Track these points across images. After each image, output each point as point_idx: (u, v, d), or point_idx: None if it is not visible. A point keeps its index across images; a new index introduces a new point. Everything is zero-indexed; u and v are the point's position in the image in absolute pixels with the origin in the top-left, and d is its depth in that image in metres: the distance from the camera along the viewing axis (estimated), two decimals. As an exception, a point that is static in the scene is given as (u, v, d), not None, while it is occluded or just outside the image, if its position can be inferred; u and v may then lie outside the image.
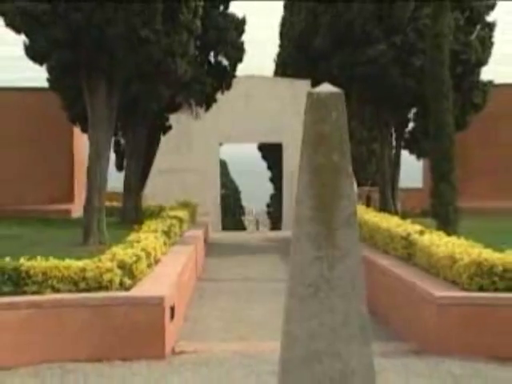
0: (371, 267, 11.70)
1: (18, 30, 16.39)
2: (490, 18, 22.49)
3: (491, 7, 22.42)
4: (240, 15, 21.08)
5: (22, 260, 9.09)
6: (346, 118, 5.22)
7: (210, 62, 21.05)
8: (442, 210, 15.39)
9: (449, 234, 12.48)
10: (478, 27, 22.26)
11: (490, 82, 22.93)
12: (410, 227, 12.71)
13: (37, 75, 20.97)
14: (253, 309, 12.00)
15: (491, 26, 22.46)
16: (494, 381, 7.77)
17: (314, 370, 5.09)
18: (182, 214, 18.24)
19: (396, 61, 20.97)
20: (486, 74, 23.00)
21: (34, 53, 16.69)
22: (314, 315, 5.12)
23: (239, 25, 21.09)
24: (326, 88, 5.29)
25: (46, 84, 20.40)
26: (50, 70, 18.62)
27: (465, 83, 21.45)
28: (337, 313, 5.12)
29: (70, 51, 16.14)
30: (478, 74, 22.47)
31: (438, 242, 10.74)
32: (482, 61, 22.30)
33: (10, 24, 16.29)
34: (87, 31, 15.78)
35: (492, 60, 22.66)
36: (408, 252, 11.73)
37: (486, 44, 22.28)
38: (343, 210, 5.16)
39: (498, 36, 22.66)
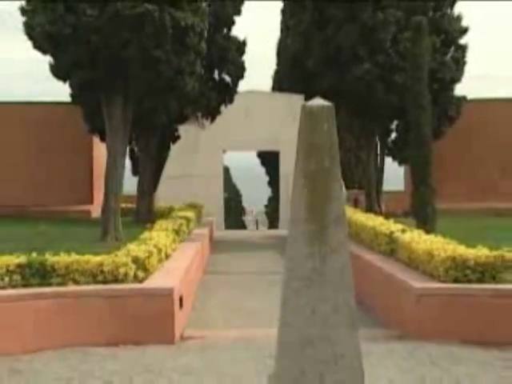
0: (358, 262, 11.68)
1: (44, 52, 16.44)
2: (462, 41, 22.60)
3: (464, 31, 22.54)
4: (241, 38, 21.15)
5: (47, 255, 9.11)
6: (335, 129, 5.22)
7: (214, 79, 21.07)
8: (421, 211, 15.38)
9: (427, 232, 12.48)
10: (452, 49, 22.37)
11: (463, 97, 23.02)
12: (392, 226, 12.71)
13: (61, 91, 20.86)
14: (253, 299, 11.98)
15: (464, 48, 22.57)
16: (466, 361, 7.77)
17: (307, 353, 5.08)
18: (190, 214, 18.22)
19: (380, 78, 21.02)
20: (460, 90, 23.10)
21: (58, 71, 16.74)
22: (307, 304, 5.12)
23: (240, 46, 21.11)
24: (317, 102, 5.29)
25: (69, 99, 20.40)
26: (72, 87, 18.61)
27: (441, 98, 21.49)
28: (328, 302, 5.11)
29: (90, 70, 16.16)
30: (453, 90, 22.57)
31: (418, 240, 10.75)
32: (456, 78, 22.41)
33: (37, 46, 16.34)
34: (105, 52, 15.81)
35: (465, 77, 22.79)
36: (391, 248, 11.73)
37: (459, 64, 22.39)
38: (333, 211, 5.15)
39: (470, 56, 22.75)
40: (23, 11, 16.60)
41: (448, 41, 22.11)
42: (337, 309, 5.11)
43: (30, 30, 16.24)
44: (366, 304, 10.88)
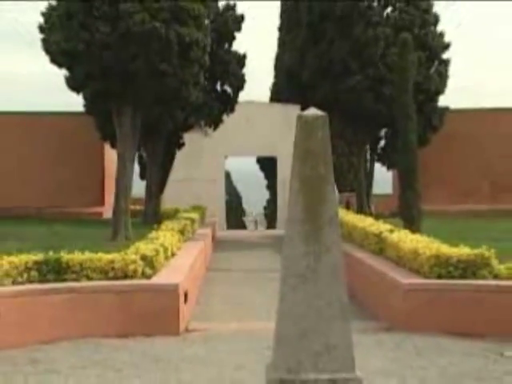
0: (350, 260, 11.68)
1: (60, 66, 16.46)
2: (445, 56, 22.63)
3: (446, 47, 22.57)
4: (241, 52, 21.17)
5: (62, 253, 9.09)
6: (329, 136, 5.22)
7: (216, 90, 21.07)
8: (407, 212, 15.38)
9: (413, 232, 12.47)
10: (436, 63, 22.40)
11: (446, 108, 23.05)
12: (381, 226, 12.71)
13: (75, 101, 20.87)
14: (252, 294, 11.98)
15: (446, 63, 22.61)
16: (450, 352, 7.76)
17: (302, 344, 5.08)
18: (194, 215, 18.21)
19: (370, 90, 21.04)
20: (443, 101, 23.13)
21: (73, 84, 16.75)
22: (302, 299, 5.11)
23: (240, 60, 21.13)
24: (312, 111, 5.29)
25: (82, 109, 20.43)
26: (85, 98, 18.63)
27: (426, 108, 21.52)
28: (322, 297, 5.11)
29: (102, 82, 16.18)
30: (436, 101, 22.59)
31: (405, 239, 10.74)
32: (440, 90, 22.45)
33: (53, 61, 16.38)
34: (116, 66, 15.83)
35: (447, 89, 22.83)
36: (380, 247, 11.73)
37: (442, 77, 22.43)
38: (327, 212, 5.15)
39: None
40: (41, 29, 16.64)
41: (432, 56, 22.15)
42: (330, 303, 5.10)
43: (48, 46, 16.28)
44: (357, 299, 10.87)
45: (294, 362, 5.06)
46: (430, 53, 22.02)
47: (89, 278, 8.90)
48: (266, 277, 13.41)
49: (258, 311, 10.21)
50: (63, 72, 16.69)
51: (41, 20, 16.67)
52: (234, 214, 44.15)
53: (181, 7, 15.97)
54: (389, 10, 21.92)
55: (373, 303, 10.45)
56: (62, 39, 15.73)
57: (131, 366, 7.20)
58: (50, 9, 16.49)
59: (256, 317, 9.85)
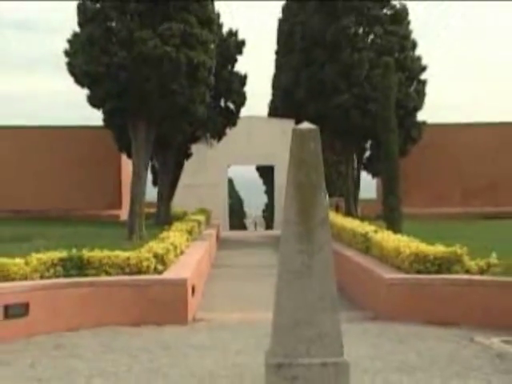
0: (339, 257, 11.64)
1: (82, 85, 16.48)
2: (423, 77, 22.65)
3: (423, 69, 22.60)
4: (243, 73, 21.18)
5: (84, 251, 9.08)
6: (320, 147, 5.22)
7: (220, 106, 21.08)
8: (390, 215, 15.36)
9: (395, 232, 12.46)
10: (415, 83, 22.43)
11: (424, 122, 23.07)
12: (367, 227, 12.70)
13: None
14: (252, 288, 11.94)
15: (423, 82, 22.65)
16: (428, 338, 7.74)
17: (296, 332, 5.06)
18: (200, 217, 18.21)
19: (356, 106, 21.07)
20: (421, 116, 23.17)
21: (94, 101, 16.76)
22: (297, 293, 5.10)
23: (242, 79, 21.15)
24: (306, 125, 5.29)
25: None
26: (104, 114, 18.64)
27: (406, 122, 21.55)
28: (314, 291, 5.09)
29: (119, 100, 16.19)
30: (415, 116, 22.62)
31: (388, 239, 10.73)
32: (418, 107, 22.49)
33: (77, 81, 16.40)
34: (131, 86, 15.85)
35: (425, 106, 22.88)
36: (366, 246, 11.71)
37: (420, 95, 22.47)
38: (318, 215, 5.14)
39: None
40: (66, 53, 16.67)
41: (411, 77, 22.22)
42: (322, 296, 5.09)
43: (72, 69, 16.30)
44: (345, 292, 10.84)
45: (290, 348, 5.04)
46: (409, 74, 22.08)
47: (107, 273, 8.89)
48: (265, 272, 13.38)
49: (258, 303, 10.18)
50: (85, 91, 16.70)
51: (66, 46, 16.69)
52: (236, 216, 44.17)
53: (190, 33, 16.00)
54: (372, 36, 21.99)
55: (359, 296, 10.43)
56: (85, 62, 15.75)
57: (144, 352, 7.17)
58: (74, 36, 16.52)
59: (256, 308, 9.82)
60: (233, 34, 20.78)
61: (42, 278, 8.50)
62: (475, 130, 26.40)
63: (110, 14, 15.98)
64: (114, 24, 16.01)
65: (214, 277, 13.46)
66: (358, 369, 5.89)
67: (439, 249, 9.28)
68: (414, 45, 22.48)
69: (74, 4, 16.36)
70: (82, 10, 16.16)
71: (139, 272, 8.98)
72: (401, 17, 22.09)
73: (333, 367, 4.98)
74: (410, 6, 22.56)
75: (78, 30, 16.45)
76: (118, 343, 7.59)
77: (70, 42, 16.61)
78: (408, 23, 22.33)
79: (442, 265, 9.00)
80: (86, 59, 15.74)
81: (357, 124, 21.23)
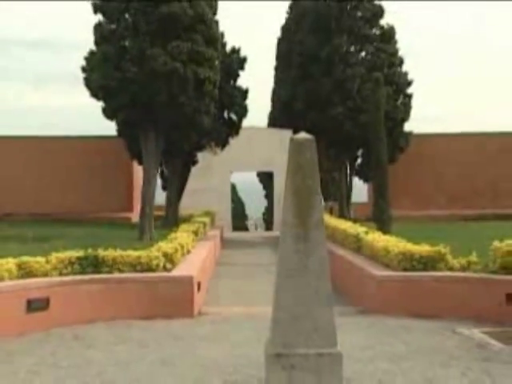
0: (333, 256, 11.61)
1: (98, 98, 16.53)
2: (409, 91, 22.65)
3: (409, 84, 22.61)
4: (244, 87, 21.23)
5: (99, 250, 9.08)
6: (316, 155, 5.22)
7: (224, 118, 21.10)
8: (380, 217, 15.38)
9: (384, 233, 12.47)
10: (402, 96, 22.46)
11: (410, 133, 23.09)
12: (359, 229, 12.69)
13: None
14: (253, 284, 11.93)
15: (410, 96, 22.68)
16: (414, 330, 7.74)
17: (294, 325, 5.05)
18: (205, 219, 18.20)
19: (349, 118, 21.10)
20: (408, 127, 23.19)
21: (108, 113, 16.81)
22: (294, 289, 5.09)
23: (244, 93, 21.17)
24: (302, 135, 5.29)
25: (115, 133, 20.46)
26: (118, 124, 18.68)
27: (394, 133, 21.56)
28: (310, 287, 5.09)
29: (131, 112, 16.22)
30: (403, 127, 22.64)
31: (378, 239, 10.73)
32: (405, 118, 22.53)
33: (93, 95, 16.44)
34: (142, 99, 15.89)
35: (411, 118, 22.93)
36: (357, 245, 11.70)
37: (407, 107, 22.50)
38: (314, 217, 5.14)
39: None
40: (83, 69, 16.72)
41: (398, 90, 22.23)
42: (317, 292, 5.08)
43: (88, 83, 16.35)
44: (339, 288, 10.83)
45: (288, 339, 5.04)
46: (397, 88, 22.10)
47: (120, 271, 8.88)
48: (265, 270, 13.39)
49: (258, 298, 10.18)
50: (100, 104, 16.74)
51: (83, 63, 16.74)
52: (239, 218, 44.09)
53: (196, 51, 16.06)
54: (363, 53, 22.06)
55: (351, 292, 10.42)
56: (100, 78, 15.80)
57: (155, 343, 7.17)
58: (91, 54, 16.57)
59: (256, 302, 9.82)
60: (235, 51, 20.82)
61: (61, 275, 8.51)
62: (457, 140, 26.55)
63: (123, 33, 16.07)
64: (127, 43, 16.08)
65: (218, 274, 13.44)
66: (351, 358, 5.89)
67: (425, 248, 9.29)
68: (401, 61, 22.53)
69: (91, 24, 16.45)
70: (98, 30, 16.23)
71: (149, 270, 8.98)
72: (389, 36, 22.17)
73: (327, 357, 4.98)
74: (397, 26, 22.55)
75: (94, 48, 16.52)
76: (131, 335, 7.60)
77: (86, 59, 16.66)
78: (395, 42, 22.39)
79: (428, 263, 9.01)
80: (101, 75, 15.80)
81: (349, 134, 21.26)
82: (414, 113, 22.93)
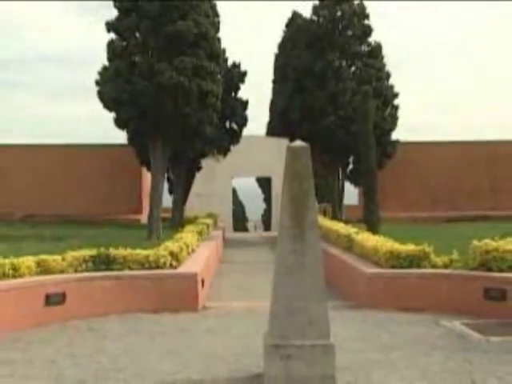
0: (326, 255, 11.60)
1: (110, 110, 16.55)
2: (395, 102, 22.68)
3: (395, 96, 22.63)
4: (245, 99, 21.23)
5: (110, 249, 9.07)
6: (311, 162, 5.25)
7: (226, 127, 21.08)
8: (369, 219, 15.39)
9: (374, 233, 12.47)
10: (389, 108, 22.49)
11: (397, 141, 23.12)
12: (350, 229, 12.68)
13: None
14: (253, 281, 11.91)
15: (396, 107, 22.71)
16: (401, 322, 7.74)
17: (290, 319, 5.07)
18: (209, 221, 18.19)
19: (341, 127, 21.13)
20: (395, 135, 23.21)
21: (119, 123, 16.83)
22: (291, 285, 5.11)
23: (244, 104, 21.17)
24: (298, 143, 5.32)
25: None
26: (128, 134, 18.69)
27: (382, 141, 21.56)
28: (305, 284, 5.10)
29: (140, 122, 16.25)
30: (390, 135, 22.65)
31: (367, 239, 10.73)
32: (392, 128, 22.55)
33: (106, 106, 16.47)
34: (150, 110, 15.92)
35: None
36: (349, 245, 11.69)
37: (393, 118, 22.53)
38: (309, 219, 5.17)
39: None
40: (97, 83, 16.76)
41: (386, 102, 22.25)
42: (312, 288, 5.10)
43: (102, 96, 16.38)
44: (332, 284, 10.83)
45: (285, 332, 5.05)
46: (384, 100, 22.13)
47: (130, 268, 8.88)
48: (263, 267, 13.38)
49: (258, 293, 10.18)
50: (112, 115, 16.76)
51: (97, 77, 16.78)
52: (239, 220, 44.05)
53: (200, 66, 16.10)
54: (353, 68, 22.13)
55: (343, 288, 10.42)
56: (112, 91, 15.83)
57: (162, 334, 7.17)
58: (104, 69, 16.60)
59: (256, 297, 9.81)
60: (236, 66, 20.85)
61: (76, 271, 8.51)
62: (441, 148, 26.64)
63: (134, 50, 16.11)
64: (137, 58, 16.12)
65: (220, 271, 13.42)
66: (343, 349, 5.89)
67: (410, 247, 9.29)
68: (387, 75, 22.58)
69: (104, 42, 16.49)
70: (111, 47, 16.28)
71: (157, 267, 8.97)
72: (376, 52, 22.27)
73: (321, 348, 4.99)
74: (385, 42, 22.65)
75: (107, 63, 16.56)
76: (141, 327, 7.59)
77: (100, 73, 16.70)
78: (382, 57, 22.49)
79: (413, 261, 9.01)
80: (113, 88, 15.82)
81: (341, 142, 21.30)
82: (400, 122, 23.00)
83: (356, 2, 22.24)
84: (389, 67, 22.54)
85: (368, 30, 22.15)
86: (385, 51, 22.40)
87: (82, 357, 6.18)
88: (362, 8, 22.22)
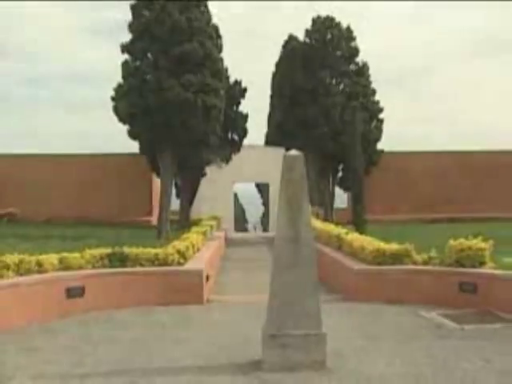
0: (319, 253, 11.56)
1: (124, 122, 16.58)
2: (381, 116, 22.76)
3: (381, 111, 22.70)
4: (245, 112, 21.27)
5: (124, 248, 9.08)
6: (305, 169, 5.27)
7: (228, 138, 21.13)
8: (357, 220, 15.41)
9: (361, 233, 12.48)
10: (375, 121, 22.56)
11: (382, 150, 23.18)
12: (340, 230, 12.68)
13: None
14: (253, 276, 11.90)
15: (381, 121, 22.79)
16: (385, 313, 7.74)
17: (286, 311, 5.09)
18: (212, 223, 18.17)
19: (332, 138, 21.21)
20: (380, 145, 23.27)
21: (132, 135, 16.87)
22: (287, 280, 5.13)
23: (244, 117, 21.22)
24: (293, 152, 5.35)
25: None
26: (140, 144, 18.72)
27: (368, 150, 21.63)
28: (300, 279, 5.13)
29: (151, 134, 16.29)
30: (376, 145, 22.72)
31: (356, 239, 10.74)
32: (377, 139, 22.62)
33: (120, 119, 16.52)
34: (159, 123, 15.95)
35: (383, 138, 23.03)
36: (339, 244, 11.68)
37: (379, 130, 22.61)
38: (303, 220, 5.19)
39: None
40: (113, 99, 16.81)
41: (372, 116, 22.35)
42: (306, 283, 5.12)
43: (117, 110, 16.43)
44: (323, 280, 10.82)
45: (281, 322, 5.07)
46: (371, 114, 22.22)
47: (142, 265, 8.88)
48: (262, 264, 13.37)
49: (257, 288, 10.17)
50: (126, 127, 16.80)
51: (112, 93, 16.83)
52: (240, 222, 43.98)
53: (205, 83, 16.16)
54: (342, 85, 22.23)
55: (334, 282, 10.42)
56: (126, 106, 15.88)
57: (172, 324, 7.18)
58: (118, 86, 16.67)
59: (255, 291, 9.81)
60: (237, 83, 20.93)
61: (93, 268, 8.52)
62: (422, 157, 26.73)
63: (145, 69, 16.18)
64: (148, 77, 16.18)
65: (223, 268, 13.41)
66: (334, 338, 5.91)
67: (394, 246, 9.30)
68: (373, 92, 22.70)
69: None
70: (125, 67, 16.35)
71: (166, 264, 8.97)
72: (363, 71, 22.39)
73: (314, 337, 5.02)
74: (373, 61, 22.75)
75: (121, 81, 16.62)
76: (152, 318, 7.60)
77: (115, 90, 16.77)
78: (369, 75, 22.61)
79: (396, 258, 9.02)
80: (127, 103, 15.88)
81: (332, 151, 21.38)
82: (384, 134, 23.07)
83: (344, 27, 22.42)
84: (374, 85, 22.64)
85: (355, 52, 22.35)
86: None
87: (98, 343, 6.20)
88: (350, 32, 22.41)
